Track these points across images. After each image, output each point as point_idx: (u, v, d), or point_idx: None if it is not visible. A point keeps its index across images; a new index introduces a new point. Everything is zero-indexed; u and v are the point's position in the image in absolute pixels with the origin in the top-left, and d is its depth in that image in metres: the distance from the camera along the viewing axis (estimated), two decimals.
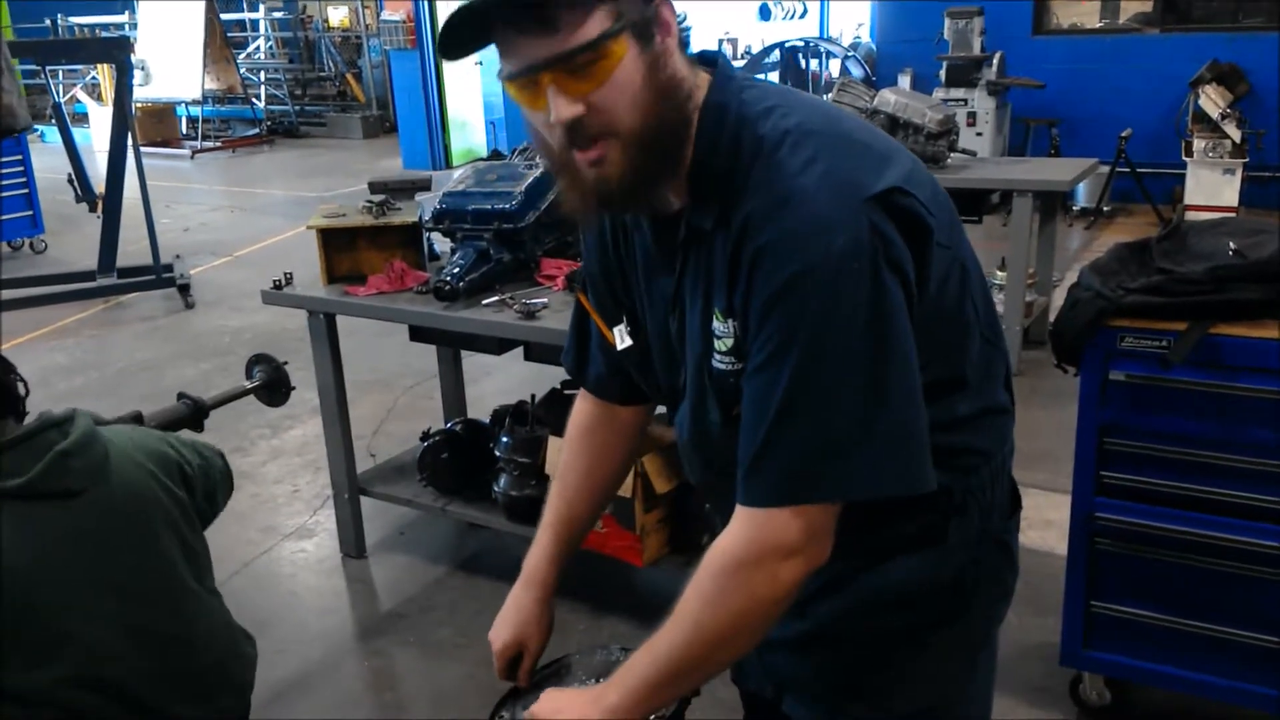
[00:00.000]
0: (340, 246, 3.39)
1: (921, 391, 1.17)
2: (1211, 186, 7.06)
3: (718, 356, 1.25)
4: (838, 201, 1.12)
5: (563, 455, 1.67)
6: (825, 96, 7.27)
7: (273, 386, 2.97)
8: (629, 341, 1.46)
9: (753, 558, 1.20)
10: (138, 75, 11.79)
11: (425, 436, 3.57)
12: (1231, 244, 2.34)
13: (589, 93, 1.12)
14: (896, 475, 1.16)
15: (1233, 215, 6.06)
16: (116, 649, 1.62)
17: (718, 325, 1.24)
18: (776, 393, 1.15)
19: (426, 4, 11.79)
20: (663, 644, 1.25)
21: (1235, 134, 6.99)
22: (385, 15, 12.12)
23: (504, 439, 3.26)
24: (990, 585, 1.39)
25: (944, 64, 8.37)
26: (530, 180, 3.26)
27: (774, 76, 10.48)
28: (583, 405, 1.65)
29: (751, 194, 1.17)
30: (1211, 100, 7.07)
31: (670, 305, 1.33)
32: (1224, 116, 7.00)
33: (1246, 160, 7.09)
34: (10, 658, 1.53)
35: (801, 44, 10.83)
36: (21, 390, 1.71)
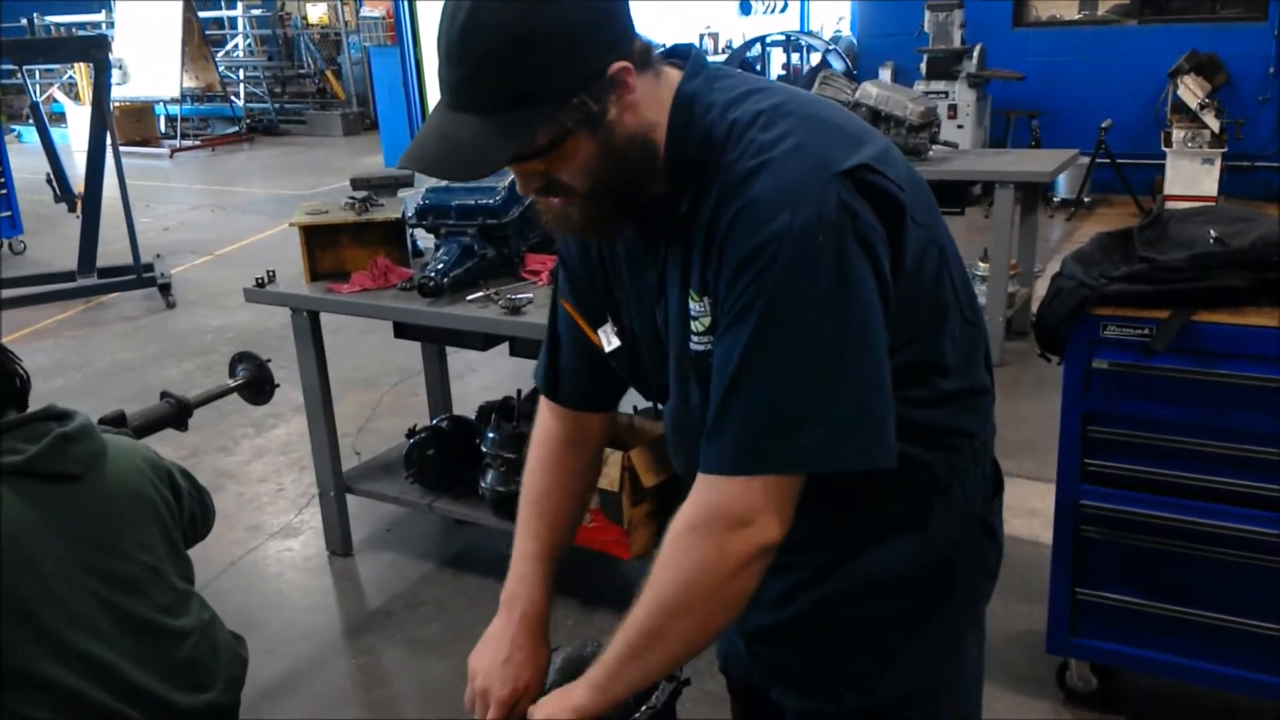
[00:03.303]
0: (323, 244, 3.37)
1: (888, 367, 1.17)
2: (1191, 176, 7.10)
3: (694, 338, 1.26)
4: (806, 174, 1.13)
5: (534, 475, 1.57)
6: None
7: (256, 385, 2.96)
8: (616, 342, 1.44)
9: (701, 523, 1.20)
10: (115, 74, 11.70)
11: (411, 433, 3.56)
12: (1212, 232, 2.36)
13: (544, 173, 1.19)
14: (853, 449, 1.15)
15: (1213, 204, 6.10)
16: (105, 630, 1.63)
17: (693, 305, 1.25)
18: (734, 359, 1.15)
19: (406, 0, 11.73)
20: (629, 617, 1.25)
21: (1214, 124, 7.03)
22: (365, 12, 12.12)
23: (490, 435, 3.26)
24: (975, 566, 1.41)
25: (924, 57, 8.39)
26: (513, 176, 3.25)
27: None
28: (551, 423, 1.59)
29: (724, 171, 1.18)
30: (1190, 91, 7.10)
31: (655, 297, 1.33)
32: (1203, 107, 7.04)
33: (1225, 150, 7.13)
34: (4, 631, 1.53)
35: (782, 38, 10.83)
36: (19, 383, 1.73)
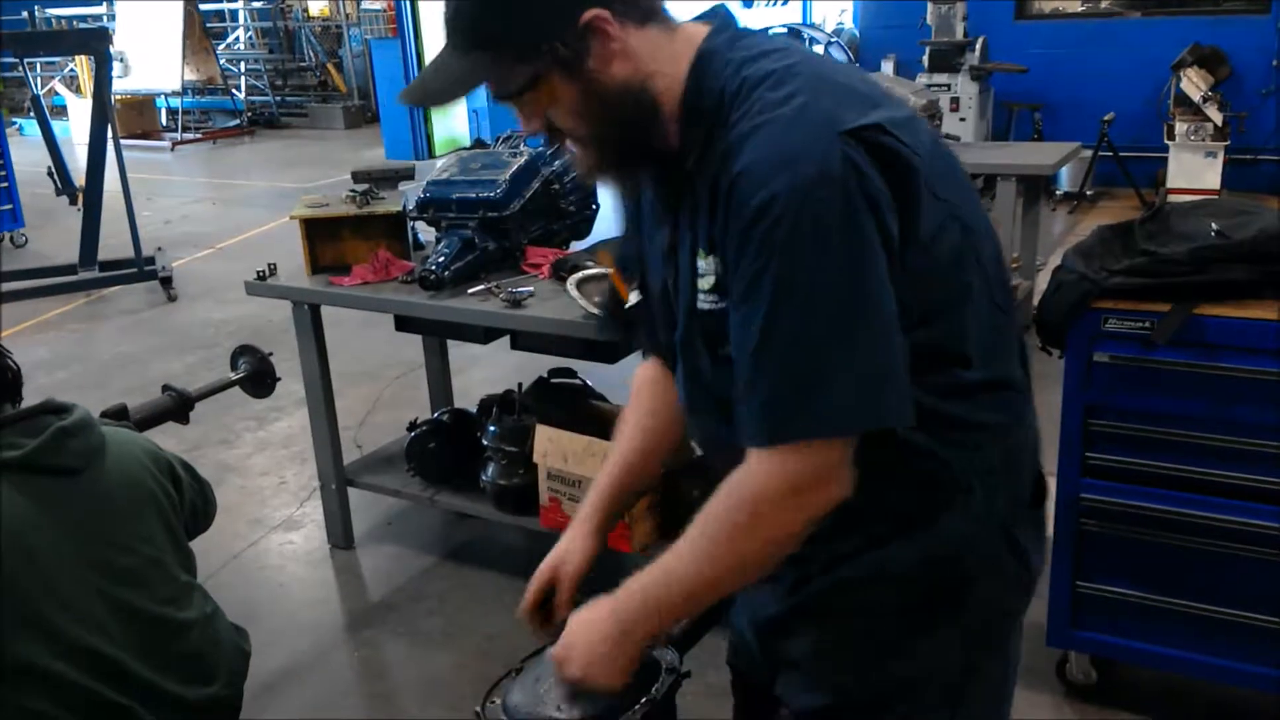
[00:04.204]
0: (324, 237, 3.37)
1: (898, 326, 1.16)
2: (1193, 169, 7.08)
3: (701, 296, 1.26)
4: (809, 132, 1.13)
5: (626, 408, 1.65)
6: None
7: (258, 378, 2.96)
8: (635, 297, 1.48)
9: (765, 497, 1.19)
10: (117, 67, 11.70)
11: (412, 426, 3.57)
12: (1214, 225, 2.36)
13: (540, 114, 1.26)
14: (870, 410, 1.15)
15: (1215, 197, 6.09)
16: (107, 624, 1.64)
17: (700, 263, 1.26)
18: (752, 329, 1.16)
19: None
20: (678, 569, 1.26)
21: (1217, 117, 7.01)
22: (365, 4, 12.09)
23: (491, 428, 3.26)
24: (990, 575, 1.34)
25: (927, 49, 8.37)
26: (515, 168, 3.25)
27: None
28: (644, 364, 1.64)
29: (730, 129, 1.18)
30: (1193, 83, 7.08)
31: (666, 255, 1.35)
32: (1205, 99, 7.01)
33: (1228, 143, 7.11)
34: (5, 624, 1.54)
35: (785, 31, 10.81)
36: (10, 376, 1.73)
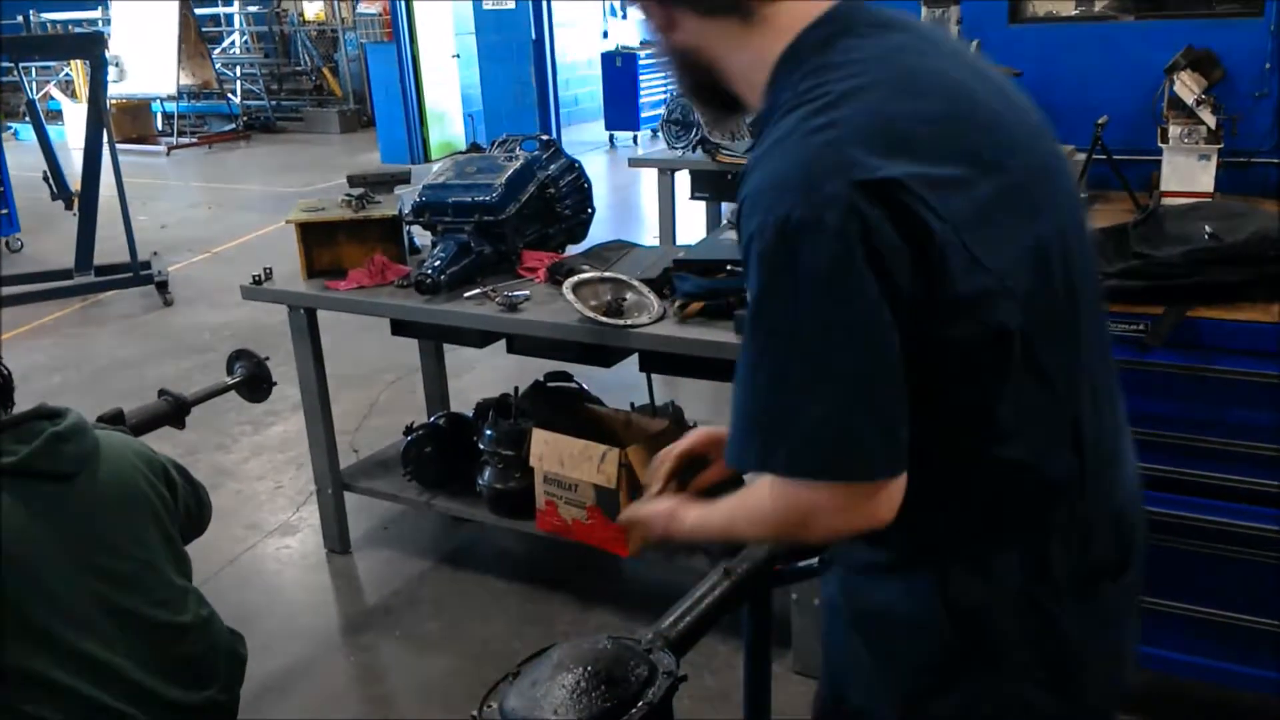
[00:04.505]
0: (320, 241, 3.37)
1: (889, 382, 1.10)
2: (1187, 172, 7.07)
3: None
4: (821, 172, 1.07)
5: None
6: None
7: (254, 382, 2.96)
8: None
9: (765, 514, 1.23)
10: (112, 71, 11.69)
11: (408, 431, 3.57)
12: (1207, 228, 2.37)
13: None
14: (825, 462, 1.12)
15: (1208, 200, 6.10)
16: (102, 629, 1.63)
17: None
18: (739, 354, 1.18)
19: None
20: (716, 521, 1.36)
21: (1210, 120, 7.01)
22: (361, 9, 12.08)
23: (488, 432, 3.26)
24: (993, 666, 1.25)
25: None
26: (510, 172, 3.25)
27: None
28: None
29: (759, 145, 1.17)
30: (1186, 86, 7.08)
31: None
32: (1199, 102, 7.02)
33: (1222, 146, 7.12)
34: (3, 631, 1.54)
35: None
36: (1, 381, 1.73)
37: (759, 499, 1.23)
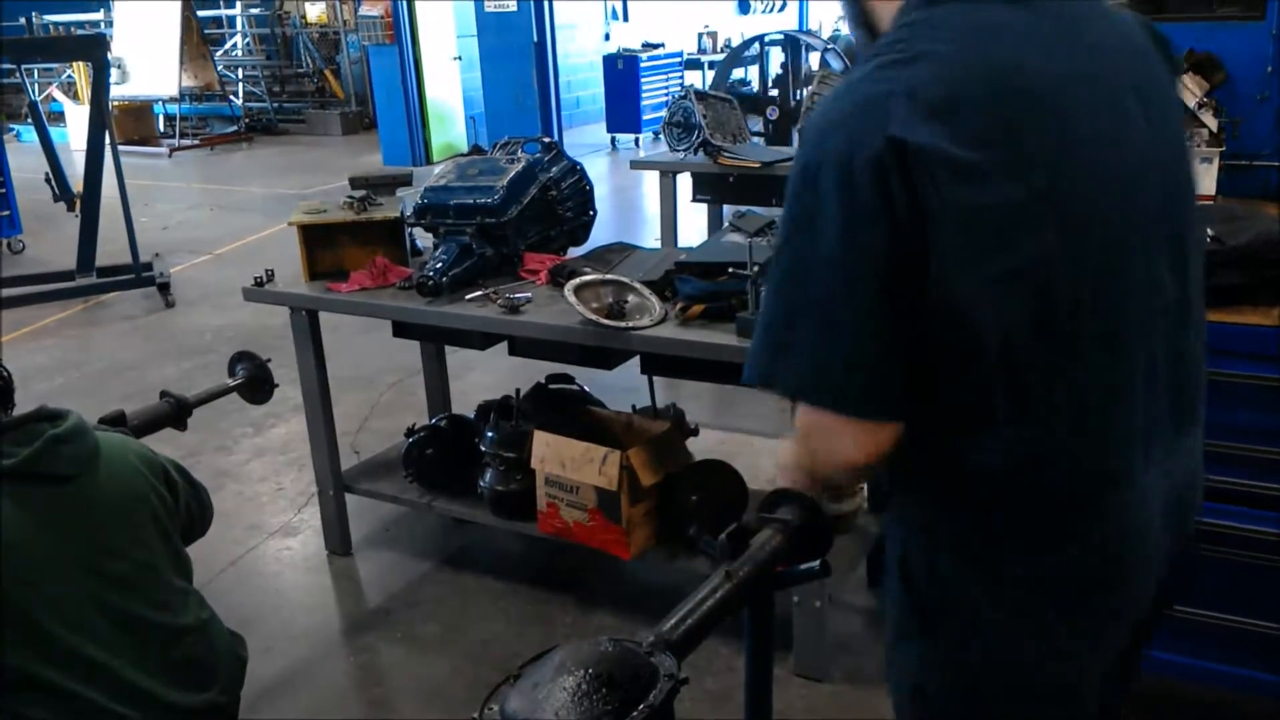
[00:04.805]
0: (322, 243, 3.38)
1: (881, 323, 1.16)
2: None
3: None
4: (864, 118, 1.15)
5: None
6: (805, 89, 7.28)
7: (256, 384, 2.96)
8: None
9: (795, 436, 1.33)
10: (114, 73, 11.69)
11: (410, 432, 3.57)
12: (1209, 230, 2.36)
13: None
14: (822, 388, 1.22)
15: (1210, 203, 6.10)
16: (102, 631, 1.63)
17: None
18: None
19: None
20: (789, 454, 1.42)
21: (1212, 123, 7.02)
22: (363, 11, 12.07)
23: (489, 434, 3.26)
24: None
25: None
26: (512, 174, 3.25)
27: (753, 71, 10.49)
28: None
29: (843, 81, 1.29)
30: (1188, 89, 7.09)
31: None
32: (1201, 105, 7.03)
33: (1223, 149, 7.13)
34: (4, 632, 1.54)
35: (781, 37, 10.83)
36: (1, 384, 1.73)
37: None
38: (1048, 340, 1.18)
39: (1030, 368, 1.19)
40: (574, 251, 3.52)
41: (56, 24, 14.98)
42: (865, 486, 3.20)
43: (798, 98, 8.33)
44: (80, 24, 15.15)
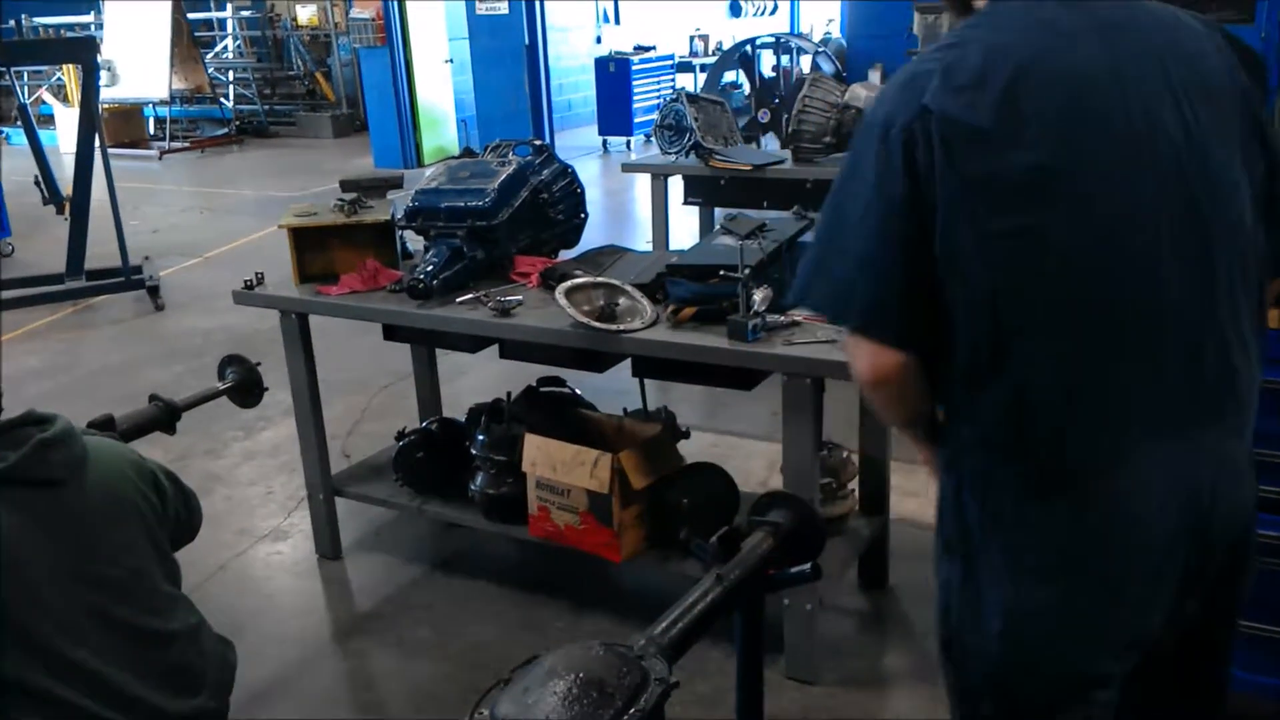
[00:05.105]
0: (312, 246, 3.37)
1: (886, 271, 1.36)
2: None
3: None
4: (907, 88, 1.36)
5: None
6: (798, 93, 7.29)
7: (245, 388, 2.96)
8: None
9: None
10: (104, 76, 11.65)
11: (400, 436, 3.56)
12: None
13: None
14: (845, 308, 1.43)
15: None
16: (91, 636, 1.63)
17: None
18: None
19: (396, 2, 11.71)
20: None
21: None
22: (354, 13, 12.04)
23: (480, 437, 3.25)
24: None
25: (913, 59, 8.41)
26: (503, 177, 3.25)
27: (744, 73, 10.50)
28: None
29: None
30: None
31: None
32: None
33: None
34: None
35: (772, 40, 10.85)
36: None
37: None
38: (1033, 306, 1.31)
39: (1016, 331, 1.31)
40: (565, 254, 3.51)
41: (47, 26, 14.94)
42: (856, 489, 3.19)
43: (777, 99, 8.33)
44: (70, 26, 15.10)
